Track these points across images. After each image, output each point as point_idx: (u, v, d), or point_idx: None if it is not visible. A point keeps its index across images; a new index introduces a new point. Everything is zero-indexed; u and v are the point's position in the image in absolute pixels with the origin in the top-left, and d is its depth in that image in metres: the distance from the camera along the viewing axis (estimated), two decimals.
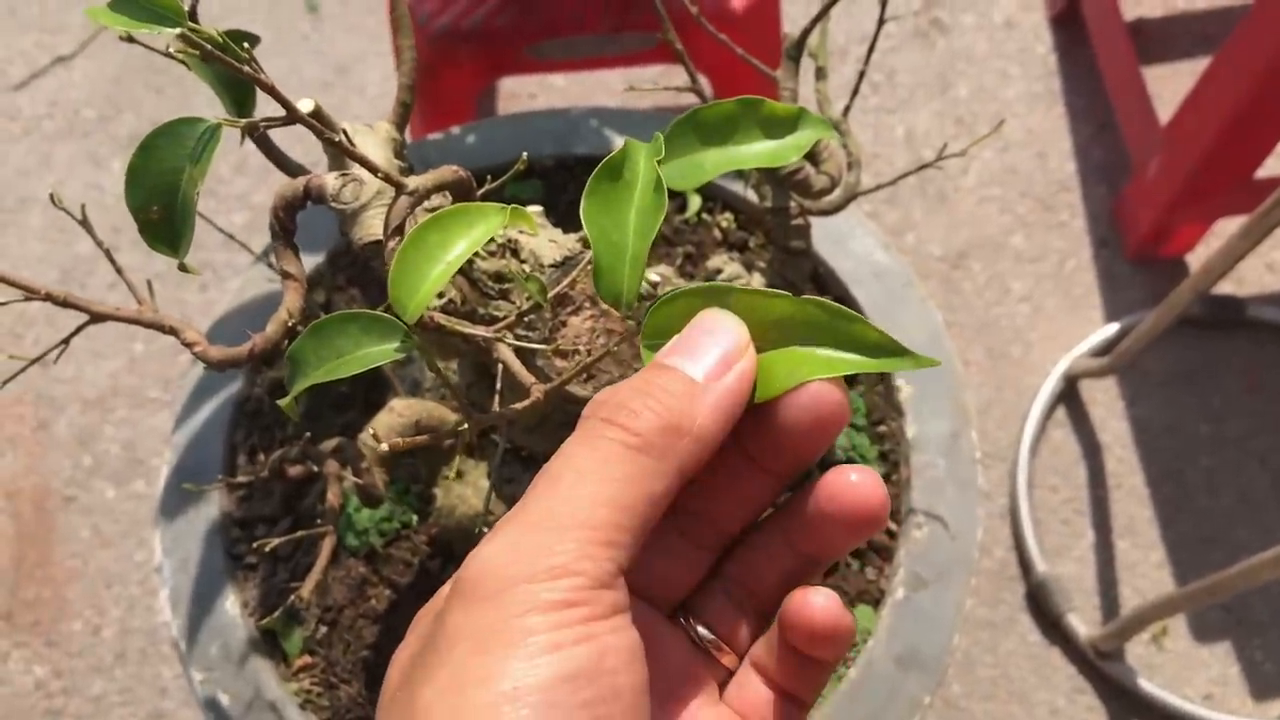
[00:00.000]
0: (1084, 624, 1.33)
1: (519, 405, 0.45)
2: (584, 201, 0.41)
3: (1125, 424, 1.49)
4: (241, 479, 0.68)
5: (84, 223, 0.48)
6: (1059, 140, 1.63)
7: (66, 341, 0.52)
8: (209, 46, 0.40)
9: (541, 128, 0.85)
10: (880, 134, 1.66)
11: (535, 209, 0.58)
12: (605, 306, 0.55)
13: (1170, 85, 1.63)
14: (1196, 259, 1.54)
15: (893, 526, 0.75)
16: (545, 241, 0.57)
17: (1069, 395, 1.49)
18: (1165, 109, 1.51)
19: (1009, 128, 1.64)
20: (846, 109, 0.69)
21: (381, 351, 0.41)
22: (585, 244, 0.57)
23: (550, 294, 0.50)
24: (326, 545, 0.59)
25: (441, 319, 0.45)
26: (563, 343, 0.55)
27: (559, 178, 0.85)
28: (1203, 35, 1.69)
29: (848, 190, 0.67)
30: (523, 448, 0.64)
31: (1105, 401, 1.50)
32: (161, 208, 0.38)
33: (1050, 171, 1.61)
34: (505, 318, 0.52)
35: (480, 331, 0.46)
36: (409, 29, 0.54)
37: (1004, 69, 1.68)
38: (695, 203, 0.83)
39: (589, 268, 0.55)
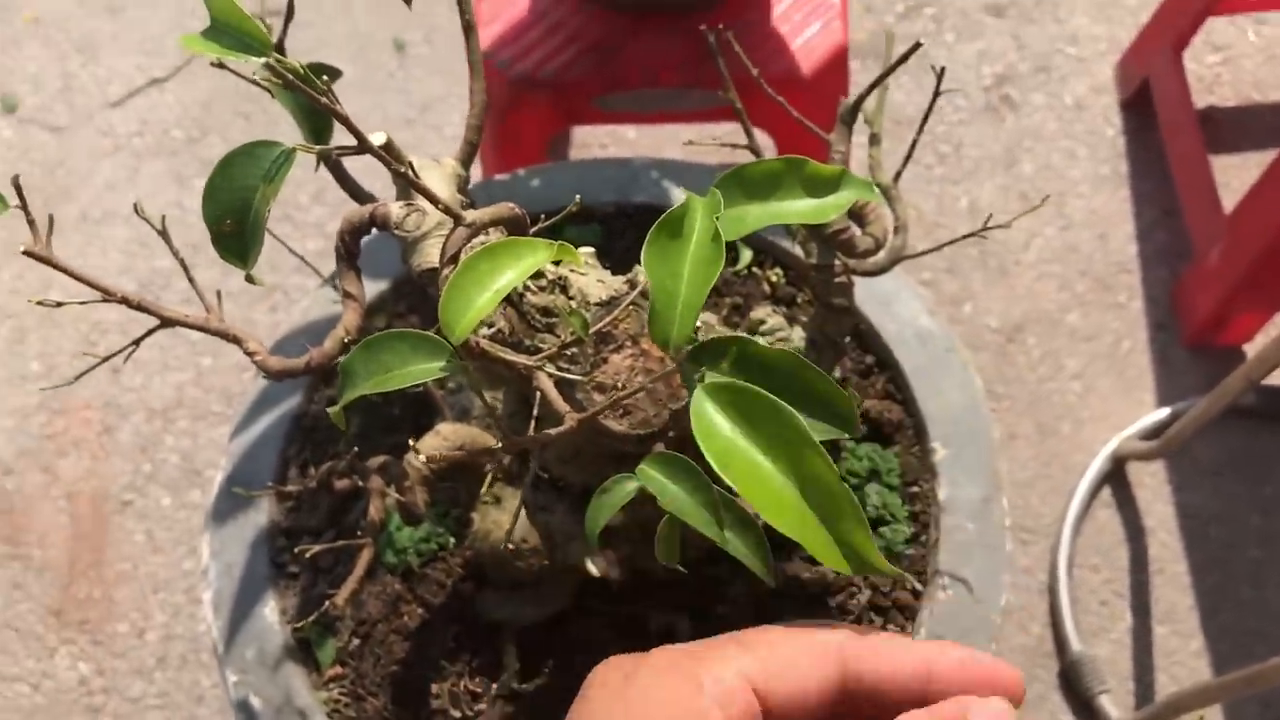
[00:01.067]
0: (1116, 707, 1.31)
1: (552, 431, 0.48)
2: (645, 250, 0.43)
3: (1171, 509, 1.48)
4: (291, 489, 0.71)
5: (163, 233, 0.52)
6: (1122, 222, 1.64)
7: (137, 343, 0.56)
8: (291, 77, 0.43)
9: (603, 175, 0.88)
10: (944, 204, 1.67)
11: (587, 250, 0.61)
12: (645, 346, 0.58)
13: (1238, 175, 1.63)
14: (1254, 349, 1.53)
15: (918, 586, 0.76)
16: (594, 281, 0.59)
17: (1116, 476, 1.49)
18: (1231, 198, 1.51)
19: (1072, 207, 1.65)
20: (897, 175, 0.71)
21: (426, 369, 0.43)
22: (631, 285, 0.60)
23: (592, 330, 0.53)
24: (364, 557, 0.62)
25: (486, 345, 0.48)
26: (602, 378, 0.57)
27: (617, 224, 0.88)
28: (1274, 127, 1.70)
29: (894, 253, 0.69)
30: (560, 477, 0.66)
31: (1153, 485, 1.49)
32: (234, 221, 0.41)
33: (1111, 252, 1.62)
34: (549, 350, 0.54)
35: (522, 360, 0.48)
36: (481, 73, 0.57)
37: (1071, 149, 1.69)
38: (746, 256, 0.86)
39: (632, 308, 0.58)
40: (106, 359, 0.57)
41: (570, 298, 0.58)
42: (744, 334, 0.60)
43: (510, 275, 0.42)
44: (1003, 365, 1.57)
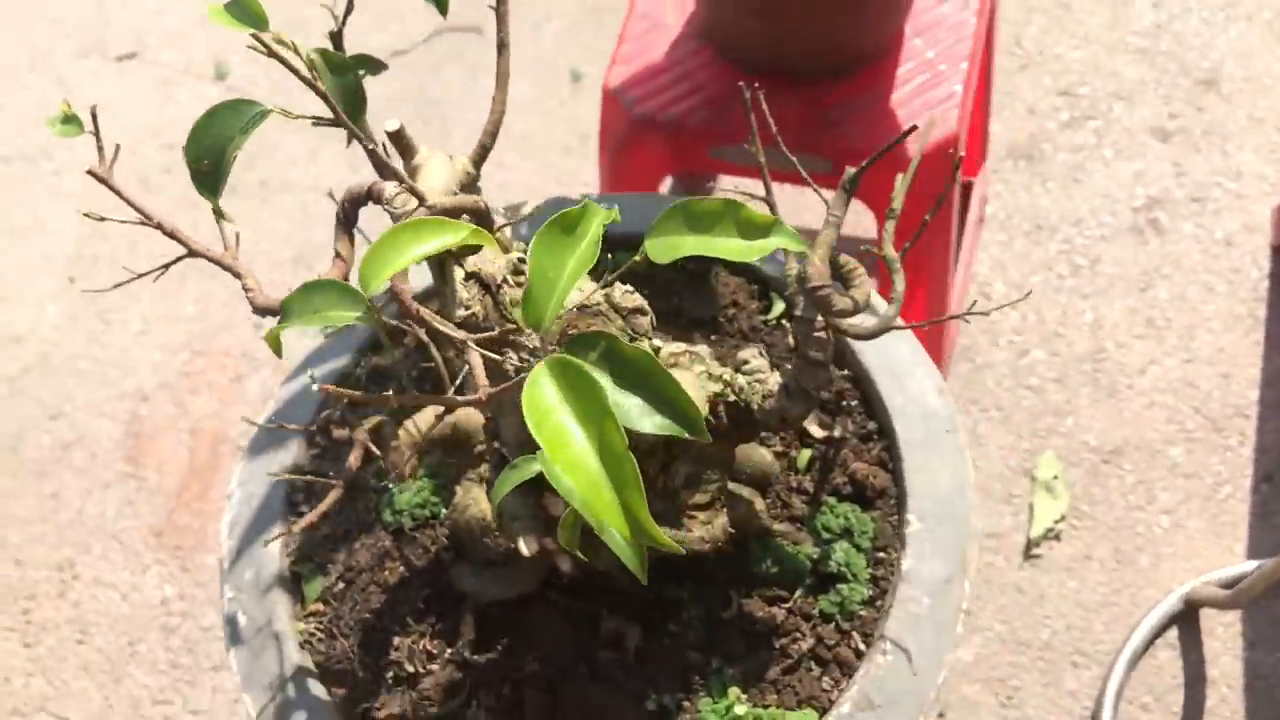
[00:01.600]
0: None
1: (464, 398, 0.53)
2: (535, 239, 0.49)
3: (1240, 664, 1.42)
4: (317, 435, 0.80)
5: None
6: (1248, 365, 1.59)
7: (166, 268, 0.65)
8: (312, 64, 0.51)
9: (654, 210, 0.94)
10: (1068, 315, 1.66)
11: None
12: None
13: None
14: None
15: (861, 646, 0.78)
16: (575, 291, 0.65)
17: (1186, 619, 1.44)
18: None
19: (1200, 342, 1.61)
20: (904, 251, 0.74)
21: (345, 315, 0.50)
22: (607, 298, 0.65)
23: (548, 326, 0.58)
24: (331, 496, 0.69)
25: (425, 313, 0.54)
26: None
27: None
28: None
29: (885, 321, 0.72)
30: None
31: (1224, 637, 1.44)
32: (210, 162, 0.48)
33: (1231, 394, 1.57)
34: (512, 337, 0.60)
35: (454, 332, 0.54)
36: (506, 86, 0.64)
37: (1210, 283, 1.65)
38: (778, 307, 0.90)
39: (600, 315, 0.64)
40: (139, 276, 0.65)
41: None
42: (620, 333, 0.64)
43: (427, 247, 0.48)
44: (1093, 485, 1.54)
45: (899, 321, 0.72)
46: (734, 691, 0.77)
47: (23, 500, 1.77)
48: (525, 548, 0.69)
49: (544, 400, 0.44)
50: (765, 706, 0.76)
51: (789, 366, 0.74)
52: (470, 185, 0.65)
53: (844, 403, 0.86)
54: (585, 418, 0.44)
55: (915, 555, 0.79)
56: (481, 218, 0.57)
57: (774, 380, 0.73)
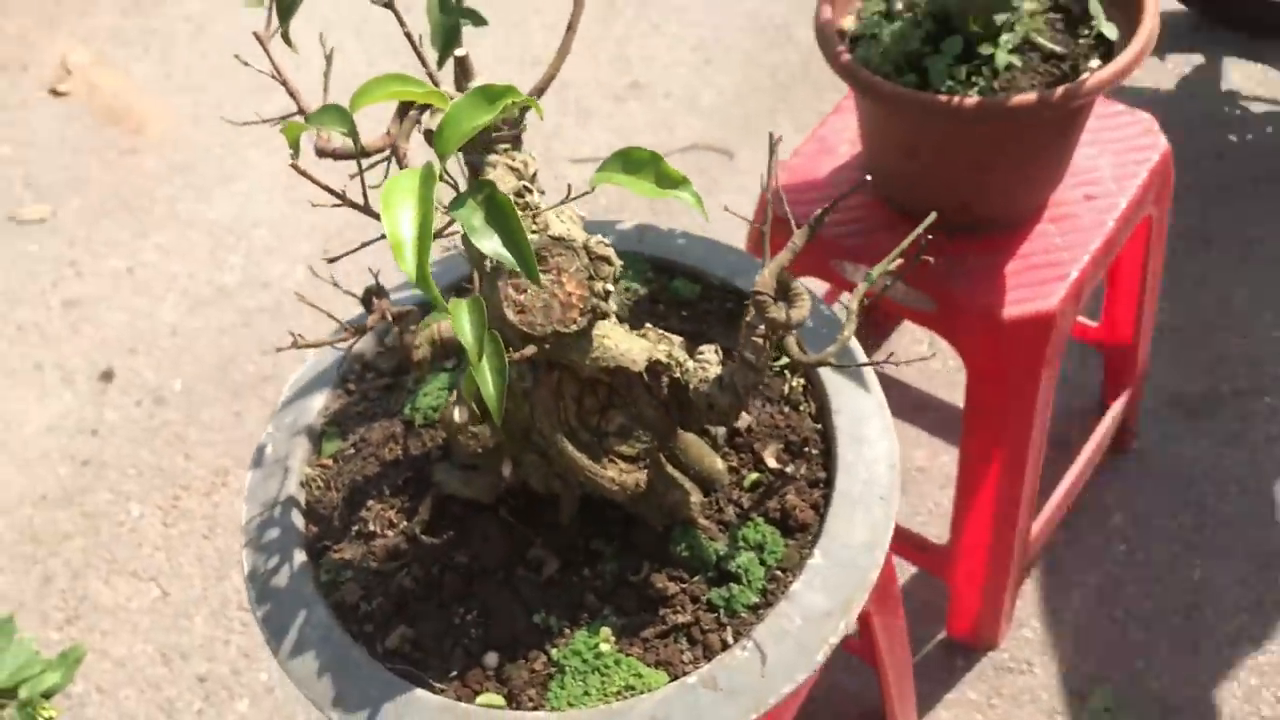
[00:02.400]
0: None
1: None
2: (462, 98, 0.65)
3: None
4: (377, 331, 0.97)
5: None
6: None
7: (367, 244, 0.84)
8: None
9: (727, 259, 1.09)
10: (1176, 564, 1.65)
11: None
12: (565, 279, 0.78)
13: None
14: None
15: (730, 640, 0.87)
16: (565, 224, 0.80)
17: None
18: None
19: None
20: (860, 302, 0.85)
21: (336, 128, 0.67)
22: (585, 245, 0.80)
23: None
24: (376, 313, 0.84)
25: None
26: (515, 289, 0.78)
27: (715, 292, 1.08)
28: None
29: (839, 345, 0.82)
30: None
31: None
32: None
33: None
34: None
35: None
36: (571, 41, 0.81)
37: None
38: (785, 361, 1.01)
39: (568, 250, 0.78)
40: (342, 256, 0.85)
41: (535, 226, 0.79)
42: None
43: (387, 90, 0.65)
44: None
45: (856, 358, 0.83)
46: (607, 633, 0.87)
47: (212, 409, 2.05)
48: (458, 415, 0.83)
49: (401, 184, 0.60)
50: (627, 655, 0.86)
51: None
52: (514, 121, 0.81)
53: (807, 449, 0.96)
54: (420, 201, 0.59)
55: (806, 583, 0.87)
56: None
57: (713, 372, 0.85)
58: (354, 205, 0.74)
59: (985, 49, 1.19)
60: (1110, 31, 1.21)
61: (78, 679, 1.83)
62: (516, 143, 0.81)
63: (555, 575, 0.91)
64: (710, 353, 0.86)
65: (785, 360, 1.02)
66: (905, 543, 1.57)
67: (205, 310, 2.22)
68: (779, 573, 0.89)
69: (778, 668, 0.84)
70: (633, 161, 0.69)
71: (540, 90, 0.79)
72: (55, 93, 2.68)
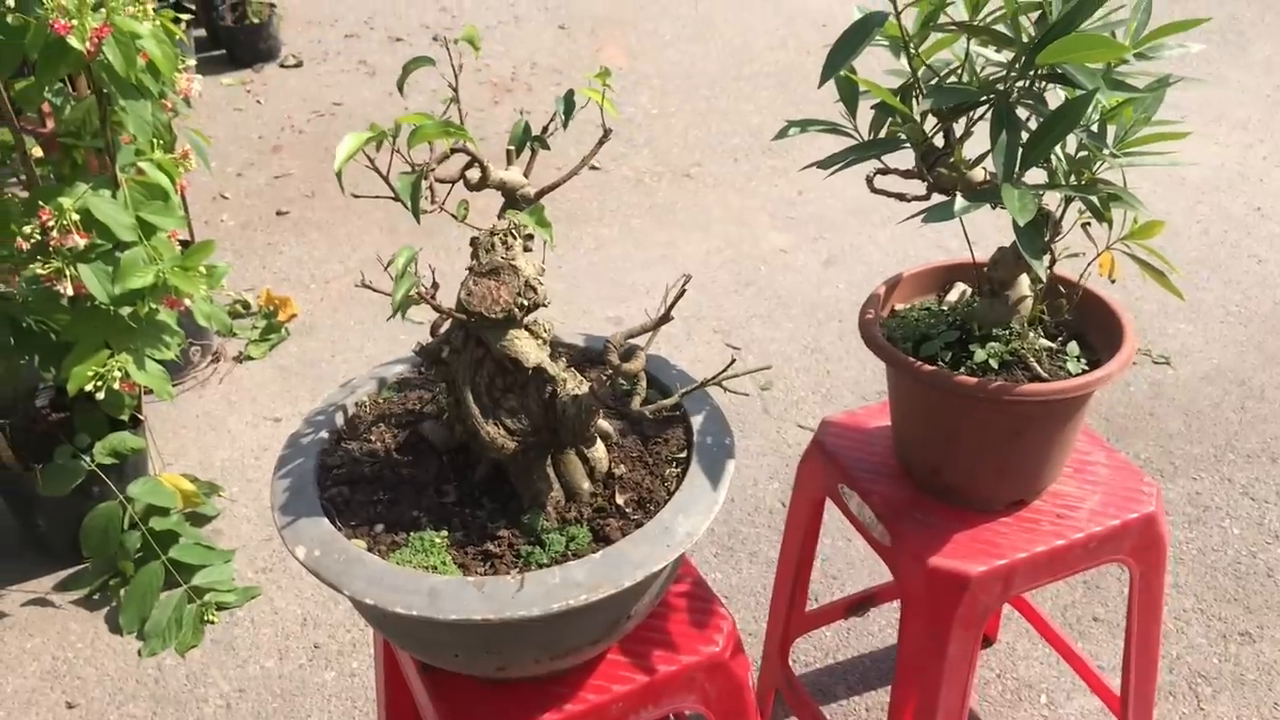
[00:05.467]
0: None
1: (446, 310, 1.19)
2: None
3: None
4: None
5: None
6: None
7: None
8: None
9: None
10: None
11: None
12: (502, 284, 1.24)
13: None
14: None
15: (512, 573, 1.23)
16: (523, 258, 1.26)
17: None
18: None
19: None
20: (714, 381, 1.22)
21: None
22: (527, 273, 1.25)
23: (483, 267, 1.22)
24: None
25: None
26: (475, 283, 1.24)
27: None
28: None
29: (656, 408, 1.20)
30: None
31: None
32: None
33: None
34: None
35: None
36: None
37: None
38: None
39: (512, 271, 1.25)
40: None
41: (506, 256, 1.25)
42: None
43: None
44: None
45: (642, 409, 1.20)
46: (445, 536, 1.27)
47: None
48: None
49: (355, 135, 1.09)
50: (447, 551, 1.25)
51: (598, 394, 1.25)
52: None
53: (650, 506, 1.31)
54: (355, 139, 1.07)
55: (579, 565, 1.22)
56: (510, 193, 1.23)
57: (576, 393, 1.25)
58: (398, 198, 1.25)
59: (974, 348, 1.52)
60: (1075, 367, 1.49)
61: (244, 607, 2.38)
62: (535, 214, 1.29)
63: (448, 504, 1.32)
64: (584, 384, 1.27)
65: (683, 455, 1.38)
66: None
67: None
68: (572, 556, 1.25)
69: (524, 597, 1.19)
70: (534, 214, 1.15)
71: (538, 195, 1.28)
72: None
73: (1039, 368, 1.52)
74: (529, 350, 1.26)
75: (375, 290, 1.31)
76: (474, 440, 1.31)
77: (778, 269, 3.43)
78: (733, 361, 1.26)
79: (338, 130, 4.36)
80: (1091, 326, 1.59)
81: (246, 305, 3.26)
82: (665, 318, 1.22)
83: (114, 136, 2.16)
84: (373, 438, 1.42)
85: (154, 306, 2.21)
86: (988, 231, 3.29)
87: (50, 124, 2.32)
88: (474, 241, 1.28)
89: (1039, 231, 1.27)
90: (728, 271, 3.40)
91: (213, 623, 2.34)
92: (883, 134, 1.43)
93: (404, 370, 1.54)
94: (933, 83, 1.35)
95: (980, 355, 1.51)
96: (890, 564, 1.63)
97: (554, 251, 3.47)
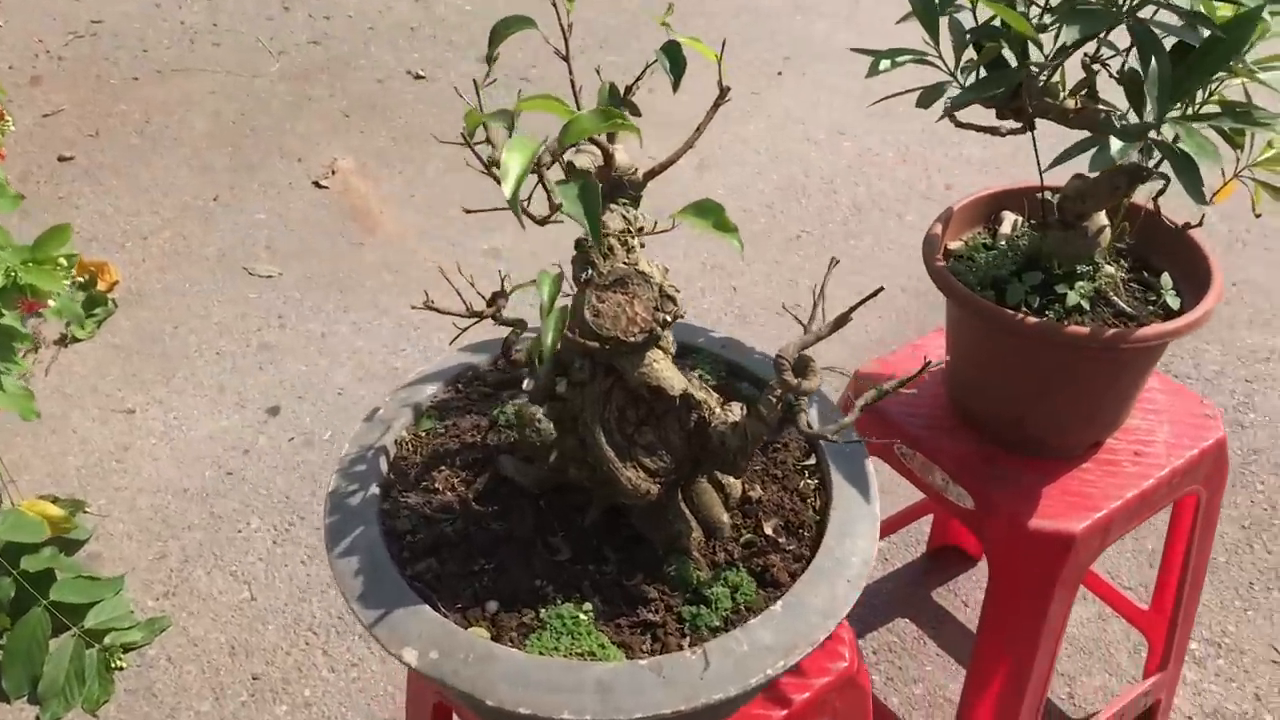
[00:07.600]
0: None
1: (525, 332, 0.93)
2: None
3: None
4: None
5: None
6: None
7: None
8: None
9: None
10: None
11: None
12: (633, 299, 1.00)
13: None
14: None
15: (684, 645, 1.02)
16: (649, 261, 1.02)
17: None
18: None
19: None
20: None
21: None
22: (661, 279, 1.02)
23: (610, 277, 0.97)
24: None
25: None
26: (599, 300, 1.00)
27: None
28: None
29: (839, 428, 1.00)
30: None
31: None
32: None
33: None
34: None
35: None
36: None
37: None
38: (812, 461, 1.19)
39: (642, 281, 1.01)
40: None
41: (628, 261, 1.01)
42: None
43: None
44: None
45: (844, 436, 1.01)
46: (589, 610, 1.04)
47: None
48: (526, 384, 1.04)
49: (519, 141, 0.83)
50: (599, 630, 1.02)
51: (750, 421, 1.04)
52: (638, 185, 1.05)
53: (802, 531, 1.13)
54: (523, 151, 0.82)
55: (762, 623, 1.02)
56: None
57: (734, 419, 1.04)
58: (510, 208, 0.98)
59: (1061, 288, 1.38)
60: (1174, 301, 1.39)
61: (155, 643, 2.05)
62: (636, 202, 1.05)
63: (565, 561, 1.09)
64: (736, 408, 1.06)
65: (811, 462, 1.20)
66: None
67: (372, 382, 2.51)
68: (744, 610, 1.05)
69: (715, 676, 0.98)
70: (703, 209, 0.92)
71: (647, 177, 1.04)
72: (317, 185, 3.12)
73: (1121, 303, 1.41)
74: (671, 375, 1.03)
75: (438, 311, 1.04)
76: (601, 486, 1.08)
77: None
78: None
79: (105, 53, 3.78)
80: (1153, 252, 1.49)
81: None
82: (845, 319, 1.02)
83: None
84: (437, 484, 1.16)
85: (2, 312, 1.80)
86: (970, 150, 3.16)
87: None
88: (579, 244, 1.02)
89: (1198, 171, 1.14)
90: None
91: (121, 669, 2.00)
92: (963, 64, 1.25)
93: (437, 391, 1.27)
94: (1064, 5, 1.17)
95: (1073, 298, 1.38)
96: (973, 527, 1.51)
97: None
